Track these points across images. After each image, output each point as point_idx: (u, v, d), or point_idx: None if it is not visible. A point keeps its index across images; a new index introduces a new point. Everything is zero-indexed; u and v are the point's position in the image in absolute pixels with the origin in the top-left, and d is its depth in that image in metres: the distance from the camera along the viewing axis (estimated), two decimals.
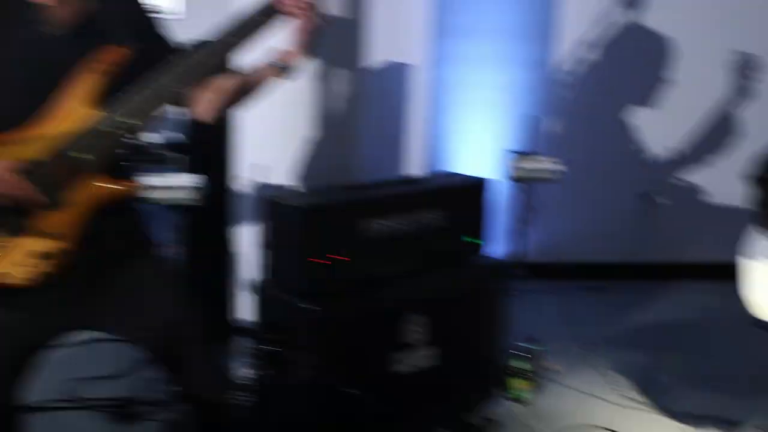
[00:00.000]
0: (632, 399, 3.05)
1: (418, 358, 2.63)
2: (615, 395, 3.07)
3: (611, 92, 4.54)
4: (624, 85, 4.54)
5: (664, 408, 2.96)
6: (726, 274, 4.36)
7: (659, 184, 4.61)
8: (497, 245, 3.11)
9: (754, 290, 2.44)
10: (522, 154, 2.96)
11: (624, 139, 4.59)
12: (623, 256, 4.63)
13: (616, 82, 4.51)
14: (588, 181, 4.60)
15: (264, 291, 2.55)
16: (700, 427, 2.80)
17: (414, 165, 3.50)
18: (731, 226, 4.20)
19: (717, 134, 4.55)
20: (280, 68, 1.82)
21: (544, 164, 2.93)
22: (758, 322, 2.43)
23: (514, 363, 2.99)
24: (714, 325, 3.97)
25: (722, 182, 4.47)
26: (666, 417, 2.91)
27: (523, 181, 2.98)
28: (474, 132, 4.29)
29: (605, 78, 4.49)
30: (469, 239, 2.83)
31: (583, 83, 4.51)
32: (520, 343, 3.08)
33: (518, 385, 2.98)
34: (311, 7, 1.73)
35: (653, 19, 4.44)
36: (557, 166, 2.93)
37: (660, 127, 4.57)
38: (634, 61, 4.50)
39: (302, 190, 2.93)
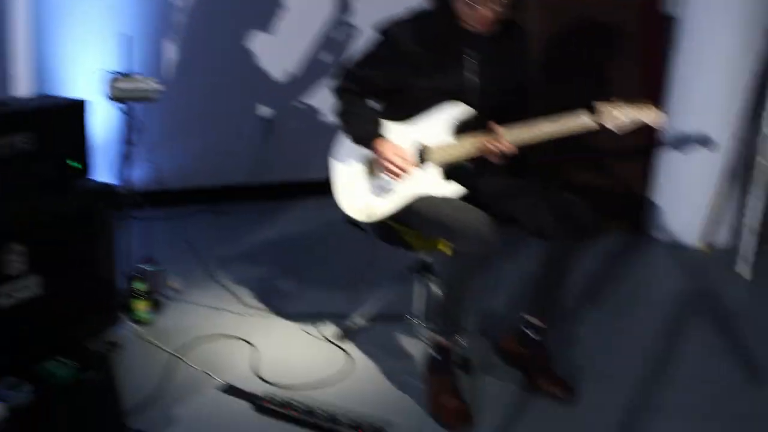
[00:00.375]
0: (255, 307, 3.15)
1: (20, 289, 2.41)
2: (239, 306, 3.14)
3: (230, 15, 4.53)
4: (241, 9, 4.55)
5: (284, 312, 3.11)
6: None
7: (278, 106, 4.77)
8: (110, 169, 2.96)
9: (340, 189, 2.62)
10: (120, 74, 2.85)
11: (243, 62, 4.64)
12: (246, 178, 4.72)
13: (233, 4, 4.52)
14: (208, 104, 4.59)
15: None
16: (318, 323, 2.99)
17: (18, 88, 3.21)
18: None
19: (326, 60, 4.80)
20: None
21: (142, 84, 2.86)
22: (348, 219, 2.63)
23: (135, 285, 2.91)
24: (334, 234, 4.26)
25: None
26: (286, 320, 3.06)
27: (122, 101, 2.88)
28: (79, 54, 4.01)
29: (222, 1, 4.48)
30: (72, 163, 2.64)
31: (199, 6, 4.44)
32: (139, 266, 3.00)
33: (140, 306, 2.91)
34: None
35: None
36: (156, 86, 2.88)
37: (277, 50, 4.69)
38: None
39: None
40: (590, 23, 4.37)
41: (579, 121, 2.32)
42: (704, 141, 3.96)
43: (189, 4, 4.38)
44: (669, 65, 4.24)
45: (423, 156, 2.48)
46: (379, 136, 2.49)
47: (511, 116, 2.44)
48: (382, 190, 2.53)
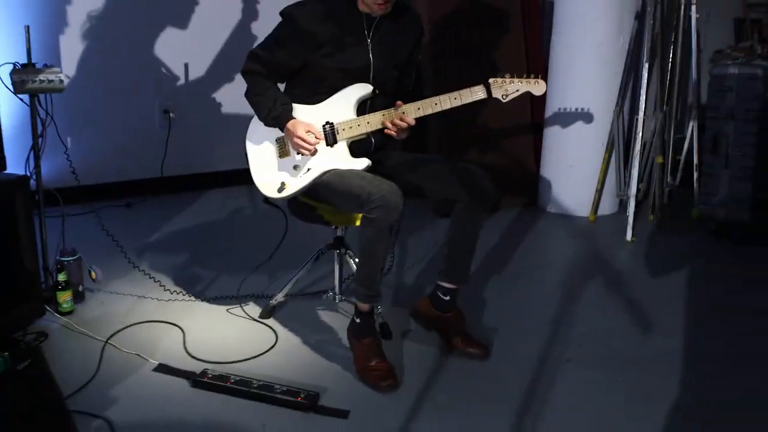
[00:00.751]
0: (178, 293, 3.23)
1: None
2: (162, 292, 3.21)
3: (132, 10, 4.53)
4: (142, 4, 4.56)
5: (208, 296, 3.21)
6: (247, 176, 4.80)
7: (180, 99, 4.80)
8: (18, 163, 2.97)
9: (255, 170, 2.75)
10: (22, 66, 2.83)
11: (145, 57, 4.64)
12: (152, 172, 4.75)
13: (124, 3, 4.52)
14: (111, 101, 4.58)
15: None
16: (241, 304, 3.11)
17: None
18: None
19: (232, 51, 4.87)
20: None
21: (46, 74, 2.84)
22: (264, 199, 2.76)
23: (57, 277, 2.94)
24: (245, 220, 4.38)
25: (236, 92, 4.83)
26: (210, 303, 3.15)
27: (27, 93, 2.85)
28: None
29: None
30: None
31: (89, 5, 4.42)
32: (59, 257, 3.02)
33: (63, 297, 2.93)
34: None
35: None
36: (61, 76, 2.87)
37: (180, 45, 4.72)
38: None
39: None
40: (477, 6, 4.63)
41: (473, 95, 2.56)
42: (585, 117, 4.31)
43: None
44: (549, 47, 4.56)
45: (331, 133, 2.65)
46: (289, 116, 2.65)
47: (406, 93, 2.69)
48: (294, 168, 2.68)
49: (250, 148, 2.77)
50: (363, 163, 2.63)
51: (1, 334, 2.61)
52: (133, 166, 4.70)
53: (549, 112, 4.56)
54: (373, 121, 2.62)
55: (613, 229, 4.29)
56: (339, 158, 2.65)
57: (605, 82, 4.35)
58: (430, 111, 2.59)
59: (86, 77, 4.42)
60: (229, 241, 4.03)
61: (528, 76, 2.60)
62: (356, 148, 2.68)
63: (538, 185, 4.71)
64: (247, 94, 2.72)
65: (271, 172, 2.72)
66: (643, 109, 4.13)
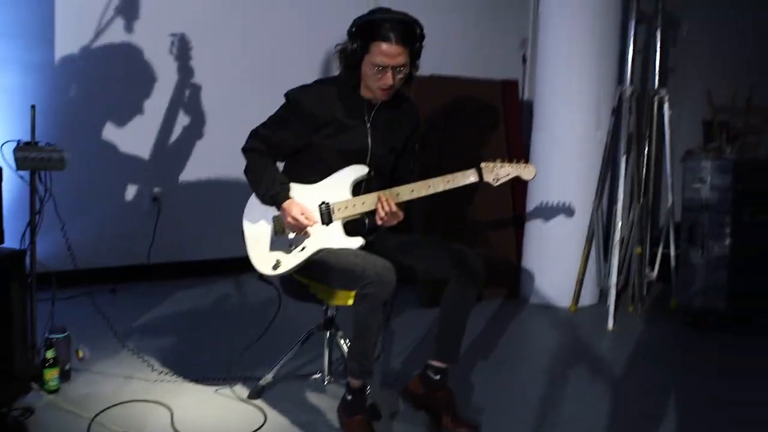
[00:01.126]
0: (166, 373, 3.21)
1: None
2: (149, 373, 3.19)
3: (118, 98, 4.66)
4: (130, 92, 4.70)
5: (196, 377, 3.18)
6: (236, 267, 4.85)
7: (168, 185, 4.88)
8: (15, 238, 3.00)
9: (250, 246, 2.81)
10: (25, 143, 2.90)
11: (134, 144, 4.74)
12: (137, 259, 4.77)
13: (122, 88, 4.66)
14: (100, 186, 4.64)
15: None
16: (230, 384, 3.09)
17: None
18: (235, 223, 4.70)
19: (226, 138, 4.99)
20: None
21: (48, 152, 2.91)
22: (259, 276, 2.81)
23: (45, 354, 2.92)
24: (229, 306, 4.39)
25: (230, 181, 4.93)
26: (199, 383, 3.13)
27: (28, 169, 2.91)
28: None
29: (108, 82, 4.61)
30: None
31: (89, 88, 4.55)
32: (47, 335, 3.01)
33: (50, 374, 2.91)
34: None
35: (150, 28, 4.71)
36: (62, 154, 2.95)
37: (173, 132, 4.84)
38: (135, 66, 4.69)
39: None
40: (460, 100, 4.83)
41: (466, 178, 2.66)
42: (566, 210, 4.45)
43: (84, 85, 4.51)
44: (529, 140, 4.74)
45: (327, 213, 2.73)
46: (286, 196, 2.73)
47: (401, 176, 2.82)
48: (290, 245, 2.74)
49: (247, 225, 2.83)
50: (357, 242, 2.70)
51: None
52: (119, 251, 4.72)
53: (531, 205, 4.70)
54: (369, 201, 2.71)
55: (593, 319, 4.35)
56: (334, 237, 2.72)
57: (584, 174, 4.51)
58: (423, 193, 2.68)
59: (79, 159, 4.49)
60: (217, 325, 4.04)
61: (518, 161, 2.72)
62: (351, 228, 2.76)
63: (520, 276, 4.79)
64: (246, 171, 2.81)
65: (267, 249, 2.77)
66: (621, 199, 4.28)
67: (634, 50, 4.42)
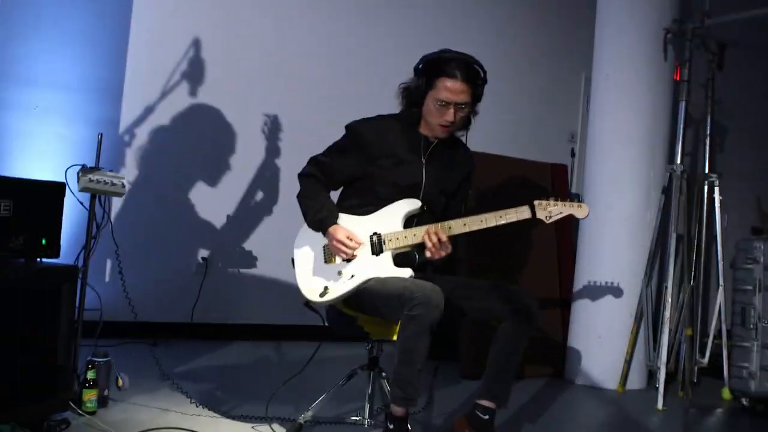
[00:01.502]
0: (204, 407, 3.16)
1: None
2: (186, 406, 3.15)
3: (175, 160, 4.82)
4: (188, 155, 4.86)
5: (233, 414, 3.13)
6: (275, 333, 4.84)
7: (218, 248, 4.95)
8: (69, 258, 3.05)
9: (299, 272, 2.82)
10: (90, 168, 3.00)
11: (186, 206, 4.86)
12: (183, 317, 4.78)
13: (180, 150, 4.82)
14: (152, 244, 4.73)
15: None
16: (268, 423, 3.02)
17: None
18: (279, 290, 4.73)
19: (265, 205, 5.09)
20: None
21: (110, 178, 3.00)
22: (306, 303, 2.80)
23: (87, 374, 2.91)
24: (268, 366, 4.34)
25: (273, 249, 4.97)
26: (236, 420, 3.07)
27: (90, 192, 2.99)
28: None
29: (168, 145, 4.77)
30: (43, 241, 2.76)
31: (149, 149, 4.72)
32: (93, 358, 3.01)
33: (88, 395, 2.89)
34: None
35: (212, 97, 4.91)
36: (122, 181, 3.04)
37: (219, 195, 4.96)
38: (199, 131, 4.87)
39: None
40: (514, 178, 4.87)
41: (519, 214, 2.66)
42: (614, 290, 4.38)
43: (145, 145, 4.68)
44: (578, 220, 4.71)
45: (378, 243, 2.74)
46: (333, 221, 2.76)
47: (451, 219, 2.78)
48: (339, 273, 2.75)
49: (297, 253, 2.85)
50: (406, 272, 2.69)
51: (23, 420, 2.55)
52: (163, 307, 4.75)
53: (578, 285, 4.64)
54: (420, 233, 2.72)
55: (642, 400, 4.19)
56: (383, 267, 2.72)
57: (634, 253, 4.46)
58: (476, 227, 2.69)
59: (135, 212, 4.61)
60: (257, 371, 4.04)
61: (572, 200, 2.72)
62: (401, 262, 2.75)
63: (565, 356, 4.67)
64: (299, 196, 2.86)
65: (316, 277, 2.78)
66: (671, 277, 4.20)
67: (683, 138, 4.45)
